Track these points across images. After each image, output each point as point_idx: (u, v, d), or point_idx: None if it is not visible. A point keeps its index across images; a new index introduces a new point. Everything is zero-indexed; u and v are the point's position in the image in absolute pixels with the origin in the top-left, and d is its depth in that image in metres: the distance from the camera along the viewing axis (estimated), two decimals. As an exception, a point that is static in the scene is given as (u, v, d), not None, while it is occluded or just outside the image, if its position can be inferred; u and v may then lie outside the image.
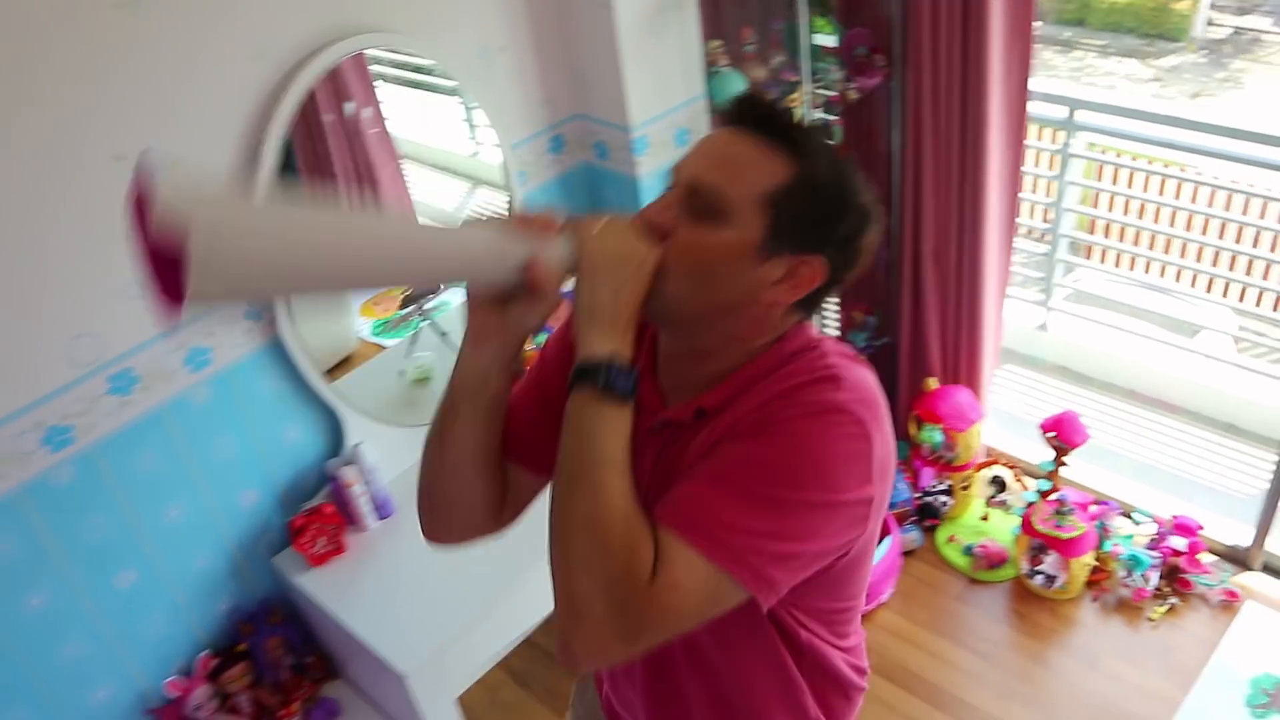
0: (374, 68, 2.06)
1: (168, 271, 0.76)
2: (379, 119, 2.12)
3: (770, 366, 1.02)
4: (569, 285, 0.97)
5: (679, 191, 0.99)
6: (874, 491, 0.97)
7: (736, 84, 2.39)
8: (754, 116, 0.99)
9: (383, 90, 2.11)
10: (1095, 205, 3.96)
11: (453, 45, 2.08)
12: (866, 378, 1.02)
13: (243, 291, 0.85)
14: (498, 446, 1.09)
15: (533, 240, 0.94)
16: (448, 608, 1.96)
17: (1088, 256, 3.98)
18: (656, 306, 0.99)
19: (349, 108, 2.04)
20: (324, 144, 2.04)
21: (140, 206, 0.76)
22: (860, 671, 1.21)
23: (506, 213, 0.94)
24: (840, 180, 0.99)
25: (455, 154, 2.38)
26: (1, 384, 1.65)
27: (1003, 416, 3.06)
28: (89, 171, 1.64)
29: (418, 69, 2.14)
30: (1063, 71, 8.59)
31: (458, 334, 1.16)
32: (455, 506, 1.12)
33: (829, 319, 2.97)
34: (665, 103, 2.24)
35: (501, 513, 1.13)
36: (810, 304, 1.03)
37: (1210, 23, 8.82)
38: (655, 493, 0.99)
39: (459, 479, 1.09)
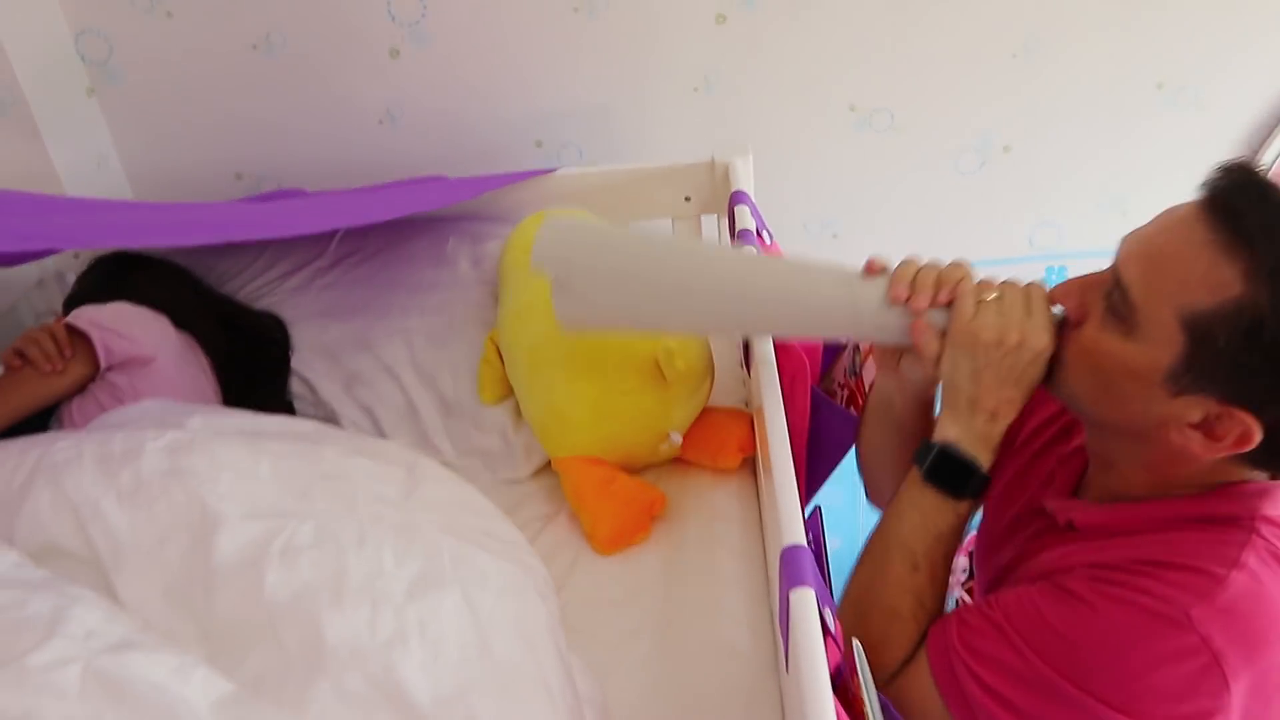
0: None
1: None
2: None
3: (1175, 519, 0.77)
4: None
5: (1108, 274, 0.78)
6: None
7: None
8: (1225, 198, 0.70)
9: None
10: None
11: None
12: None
13: (602, 319, 0.99)
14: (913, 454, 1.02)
15: (911, 307, 0.86)
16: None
17: None
18: (1059, 395, 0.85)
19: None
20: None
21: None
22: None
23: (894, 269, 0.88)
24: None
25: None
26: (983, 237, 1.90)
27: None
28: (1134, 98, 1.75)
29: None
30: None
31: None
32: (881, 489, 1.11)
33: None
34: None
35: None
36: (1271, 459, 0.75)
37: None
38: (1015, 575, 0.90)
39: (879, 470, 1.08)
